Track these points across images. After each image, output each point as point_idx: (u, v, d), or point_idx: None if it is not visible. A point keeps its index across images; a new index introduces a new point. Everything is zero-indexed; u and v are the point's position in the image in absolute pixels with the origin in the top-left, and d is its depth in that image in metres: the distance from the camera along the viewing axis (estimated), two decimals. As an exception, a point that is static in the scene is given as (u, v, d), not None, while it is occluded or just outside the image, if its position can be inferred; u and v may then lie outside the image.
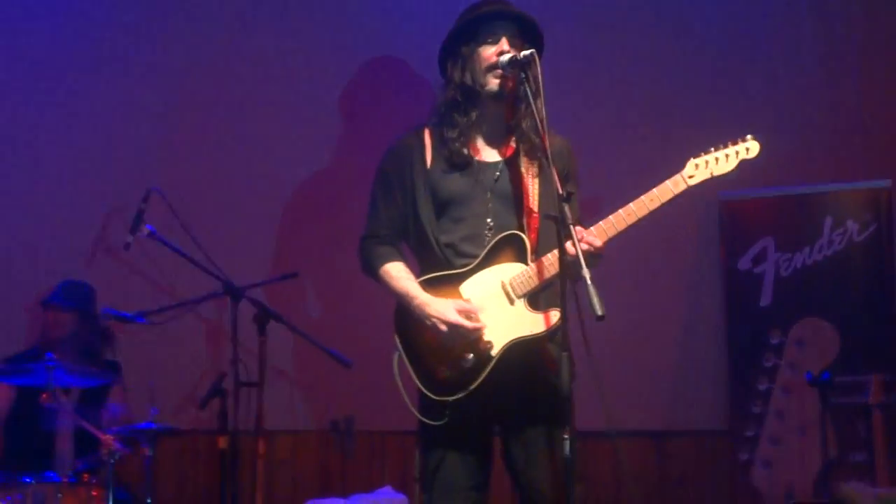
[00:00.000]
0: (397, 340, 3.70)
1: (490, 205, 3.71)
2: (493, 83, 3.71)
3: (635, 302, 6.53)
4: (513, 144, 3.78)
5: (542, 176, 3.72)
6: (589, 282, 3.21)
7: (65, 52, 7.13)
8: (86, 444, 5.58)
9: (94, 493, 5.22)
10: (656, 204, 3.61)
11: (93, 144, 7.05)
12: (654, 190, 3.62)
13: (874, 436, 5.61)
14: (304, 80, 7.17)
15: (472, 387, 3.56)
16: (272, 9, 7.25)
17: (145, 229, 4.97)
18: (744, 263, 6.55)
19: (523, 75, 3.57)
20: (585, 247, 3.47)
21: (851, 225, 6.42)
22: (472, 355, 3.57)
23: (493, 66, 3.69)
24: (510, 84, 3.70)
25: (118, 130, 7.06)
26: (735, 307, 6.60)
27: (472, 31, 3.74)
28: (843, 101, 6.88)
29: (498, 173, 3.74)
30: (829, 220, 6.45)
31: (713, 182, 3.75)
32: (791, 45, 6.97)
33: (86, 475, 5.27)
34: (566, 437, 3.28)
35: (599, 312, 3.17)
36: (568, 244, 3.36)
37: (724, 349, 6.62)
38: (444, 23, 3.90)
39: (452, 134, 3.74)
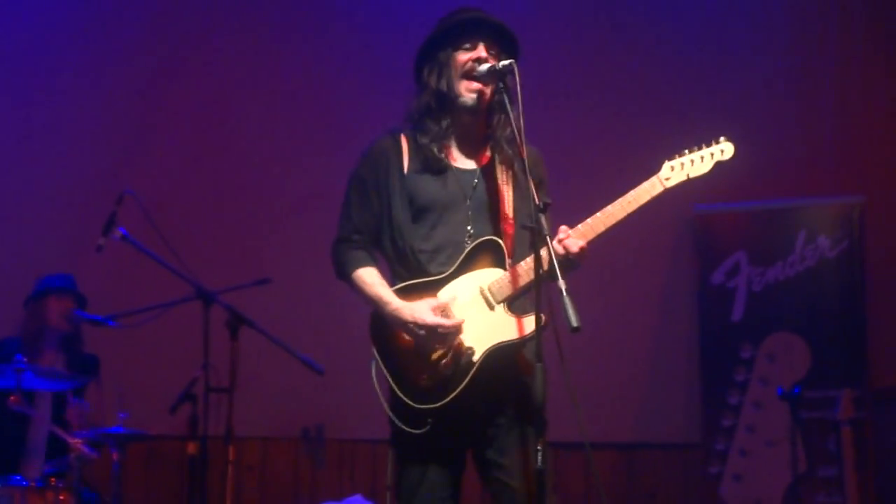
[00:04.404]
0: (374, 349, 3.64)
1: (470, 212, 3.67)
2: (469, 96, 3.67)
3: (608, 314, 6.54)
4: (488, 153, 3.76)
5: (517, 185, 3.70)
6: (565, 293, 3.19)
7: (39, 54, 7.09)
8: (54, 448, 5.53)
9: (61, 497, 5.16)
10: (634, 206, 3.61)
11: (66, 146, 7.01)
12: (631, 193, 3.61)
13: (843, 451, 5.64)
14: (278, 83, 7.17)
15: (455, 393, 3.51)
16: (246, 12, 7.24)
17: (118, 232, 4.91)
18: (717, 277, 6.58)
19: (501, 85, 3.56)
20: (561, 250, 3.47)
21: (823, 240, 6.45)
22: (451, 362, 3.53)
23: (469, 73, 3.67)
24: (485, 97, 3.67)
25: (92, 133, 7.03)
26: (707, 321, 6.63)
27: (450, 37, 3.72)
28: (818, 117, 6.93)
29: (476, 181, 3.71)
30: (801, 235, 6.49)
31: (687, 189, 3.75)
32: (766, 60, 7.02)
33: (53, 479, 5.22)
34: (539, 448, 3.26)
35: (575, 324, 3.15)
36: (543, 253, 3.34)
37: (695, 363, 6.65)
38: (422, 27, 3.89)
39: (425, 140, 3.71)
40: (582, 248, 3.53)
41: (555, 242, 3.47)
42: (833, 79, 6.99)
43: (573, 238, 3.54)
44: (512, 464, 3.58)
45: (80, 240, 5.69)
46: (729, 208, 6.66)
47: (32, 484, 5.13)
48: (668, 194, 3.70)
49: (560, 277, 3.24)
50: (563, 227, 3.56)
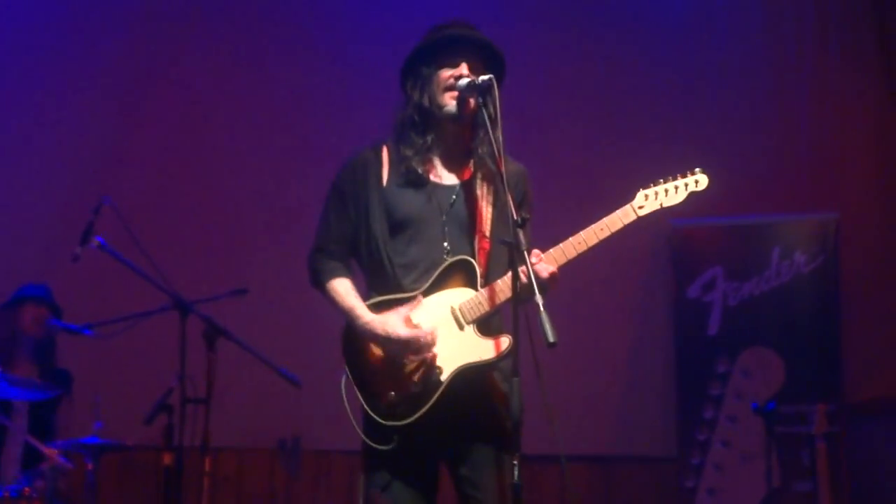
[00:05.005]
0: (344, 362, 3.64)
1: (446, 228, 3.68)
2: (451, 103, 3.67)
3: (585, 327, 6.56)
4: (470, 169, 3.77)
5: (497, 201, 3.71)
6: (542, 308, 3.21)
7: (15, 64, 7.09)
8: (29, 458, 5.51)
9: (34, 508, 5.15)
10: (606, 234, 3.62)
11: (44, 156, 7.00)
12: (605, 220, 3.63)
13: (818, 465, 5.66)
14: (258, 95, 7.17)
15: (421, 412, 3.52)
16: (225, 22, 7.24)
17: (95, 241, 4.90)
18: (693, 291, 6.61)
19: (481, 100, 3.56)
20: (542, 273, 3.48)
21: (799, 256, 6.49)
22: (419, 381, 3.54)
23: (451, 87, 3.68)
24: (469, 106, 3.67)
25: (70, 142, 7.02)
26: (683, 335, 6.65)
27: (434, 51, 3.73)
28: (793, 134, 6.99)
29: (454, 197, 3.72)
30: (777, 251, 6.53)
31: (662, 211, 3.77)
32: (743, 78, 7.07)
33: (27, 489, 5.19)
34: (515, 462, 3.27)
35: (552, 339, 3.16)
36: (521, 269, 3.35)
37: (671, 376, 6.67)
38: (405, 43, 3.90)
39: (408, 152, 3.72)
40: (552, 274, 3.54)
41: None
42: (808, 97, 7.04)
43: (543, 263, 3.55)
44: (485, 481, 3.59)
45: (57, 249, 5.68)
46: (705, 223, 6.69)
47: (7, 494, 5.10)
48: (644, 212, 3.72)
49: (538, 293, 3.25)
50: (535, 251, 3.57)
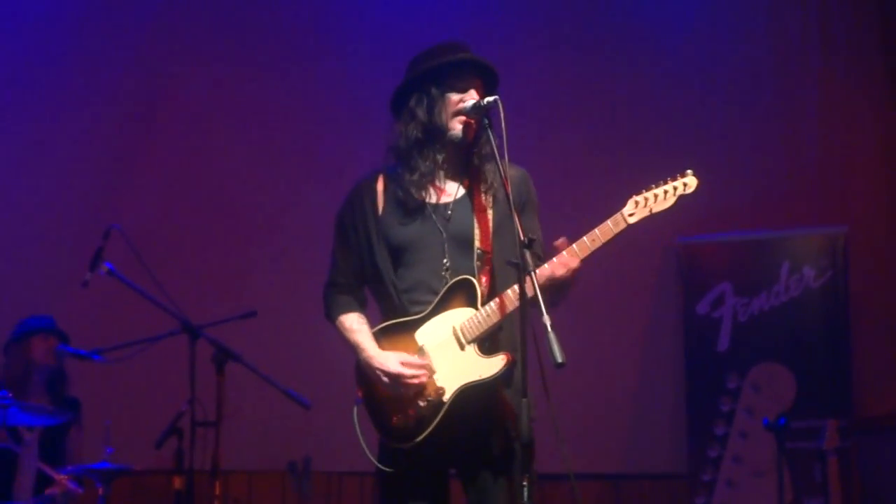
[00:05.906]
0: (359, 389, 3.72)
1: (445, 246, 3.70)
2: (458, 128, 3.72)
3: (594, 344, 6.55)
4: (469, 185, 3.79)
5: (497, 215, 3.73)
6: (549, 329, 3.21)
7: (22, 90, 7.12)
8: (40, 484, 5.51)
9: (45, 534, 5.15)
10: (598, 244, 3.61)
11: (52, 182, 7.02)
12: (595, 230, 3.62)
13: (829, 481, 5.64)
14: (266, 118, 7.19)
15: (426, 433, 3.56)
16: (231, 45, 7.27)
17: (104, 267, 4.92)
18: (702, 308, 6.60)
19: (486, 120, 3.60)
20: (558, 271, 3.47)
21: (808, 271, 6.48)
22: (423, 402, 3.58)
23: (458, 112, 3.71)
24: (471, 130, 3.72)
25: (78, 168, 7.04)
26: (693, 351, 6.64)
27: (444, 75, 3.75)
28: (801, 148, 6.98)
29: (450, 212, 3.75)
30: (786, 266, 6.52)
31: (672, 220, 3.75)
32: (749, 92, 7.07)
33: (39, 515, 5.21)
34: (525, 483, 3.27)
35: (559, 360, 3.17)
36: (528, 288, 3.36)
37: (682, 393, 6.65)
38: (404, 61, 3.92)
39: (414, 177, 3.74)
40: (573, 270, 3.56)
41: (514, 287, 3.49)
42: (815, 110, 7.04)
43: (564, 256, 3.57)
44: (496, 499, 3.60)
45: (67, 275, 5.69)
46: (713, 239, 6.69)
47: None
48: (653, 226, 3.71)
49: (545, 314, 3.25)
50: (562, 240, 3.59)
